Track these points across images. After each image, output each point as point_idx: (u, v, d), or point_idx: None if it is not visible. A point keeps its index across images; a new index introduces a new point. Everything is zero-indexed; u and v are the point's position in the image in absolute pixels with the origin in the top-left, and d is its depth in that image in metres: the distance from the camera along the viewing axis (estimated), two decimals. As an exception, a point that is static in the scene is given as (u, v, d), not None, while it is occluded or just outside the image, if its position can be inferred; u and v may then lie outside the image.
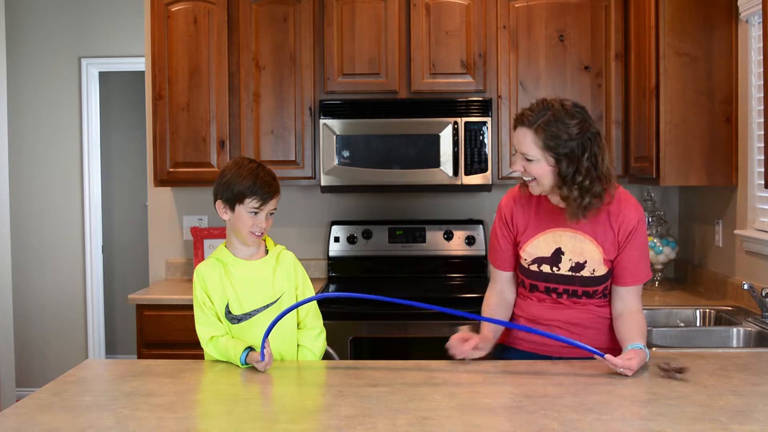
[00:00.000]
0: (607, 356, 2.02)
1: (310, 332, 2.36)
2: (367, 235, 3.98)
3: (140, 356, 3.48)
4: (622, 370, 2.00)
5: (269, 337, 2.14)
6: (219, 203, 2.28)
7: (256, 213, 2.23)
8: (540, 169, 2.13)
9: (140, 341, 3.51)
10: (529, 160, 2.14)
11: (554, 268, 2.24)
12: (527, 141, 2.13)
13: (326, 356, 2.46)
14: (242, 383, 2.04)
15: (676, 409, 1.74)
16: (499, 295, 2.39)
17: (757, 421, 1.66)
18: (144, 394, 1.92)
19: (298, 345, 2.35)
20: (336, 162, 3.67)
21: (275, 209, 2.28)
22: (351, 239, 3.97)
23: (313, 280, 3.97)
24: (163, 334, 3.48)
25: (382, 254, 3.97)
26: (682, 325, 3.01)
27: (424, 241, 3.96)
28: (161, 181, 3.82)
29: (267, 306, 2.29)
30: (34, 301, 5.39)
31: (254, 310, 2.28)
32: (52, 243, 5.38)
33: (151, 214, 4.18)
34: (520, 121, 2.15)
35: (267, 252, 2.35)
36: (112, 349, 5.98)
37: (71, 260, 5.40)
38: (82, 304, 5.42)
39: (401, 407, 1.78)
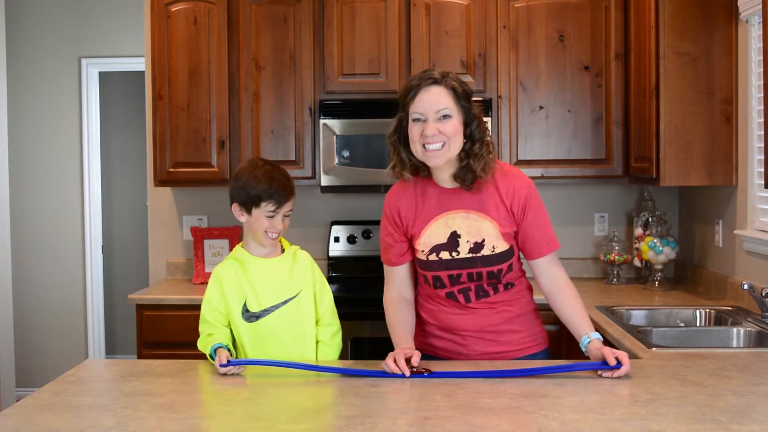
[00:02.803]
0: (622, 369, 1.98)
1: (328, 329, 2.35)
2: (367, 235, 3.97)
3: (140, 356, 3.48)
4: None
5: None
6: (235, 206, 2.27)
7: (272, 216, 2.23)
8: (453, 126, 2.11)
9: (140, 341, 3.51)
10: (446, 117, 2.11)
11: (453, 253, 2.18)
12: (444, 96, 2.12)
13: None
14: (242, 383, 2.04)
15: (676, 409, 1.73)
16: (399, 294, 2.31)
17: (757, 421, 1.66)
18: (144, 394, 1.92)
19: (317, 341, 2.34)
20: (336, 162, 3.67)
21: (291, 210, 2.27)
22: (351, 239, 3.97)
23: (313, 280, 3.99)
24: (163, 334, 3.48)
25: (382, 254, 3.97)
26: (682, 325, 3.00)
27: (424, 241, 3.96)
28: (161, 181, 3.82)
29: (285, 302, 2.28)
30: (34, 301, 5.39)
31: (272, 306, 2.28)
32: (52, 243, 5.38)
33: (151, 214, 4.18)
34: (431, 81, 2.12)
35: (283, 251, 2.35)
36: (112, 349, 5.98)
37: (71, 260, 5.40)
38: (82, 304, 5.42)
39: (401, 407, 1.78)
